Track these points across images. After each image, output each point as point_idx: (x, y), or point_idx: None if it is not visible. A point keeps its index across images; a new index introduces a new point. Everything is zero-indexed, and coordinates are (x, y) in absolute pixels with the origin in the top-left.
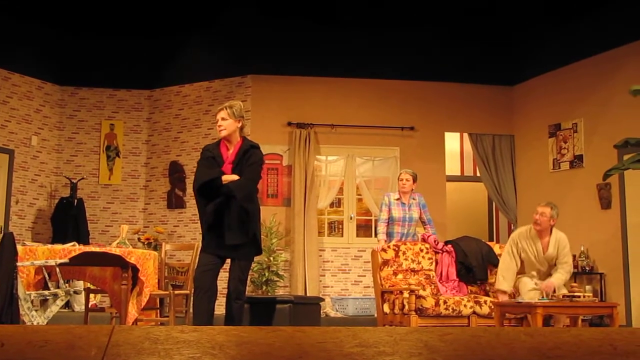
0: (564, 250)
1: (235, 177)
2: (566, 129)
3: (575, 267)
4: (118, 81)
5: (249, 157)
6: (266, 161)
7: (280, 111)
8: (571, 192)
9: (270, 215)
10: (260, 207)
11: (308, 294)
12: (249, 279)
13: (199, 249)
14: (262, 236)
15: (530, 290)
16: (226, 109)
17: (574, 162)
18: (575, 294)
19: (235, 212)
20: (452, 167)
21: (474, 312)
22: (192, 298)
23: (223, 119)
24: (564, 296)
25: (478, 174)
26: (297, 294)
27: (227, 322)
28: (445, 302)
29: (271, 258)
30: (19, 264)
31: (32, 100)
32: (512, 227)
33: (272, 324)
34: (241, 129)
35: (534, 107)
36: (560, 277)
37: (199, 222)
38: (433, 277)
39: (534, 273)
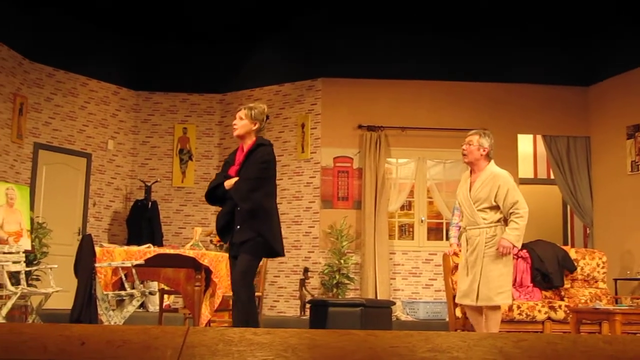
0: (501, 192)
1: (234, 180)
2: None
3: None
4: (190, 86)
5: (253, 156)
6: (337, 164)
7: (351, 114)
8: None
9: (340, 218)
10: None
11: (378, 297)
12: (319, 281)
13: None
14: (332, 239)
15: (461, 297)
16: (246, 109)
17: None
18: None
19: (241, 213)
20: (525, 169)
21: (549, 318)
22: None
23: (240, 118)
24: None
25: (552, 177)
26: (368, 297)
27: (233, 323)
28: (518, 307)
29: (342, 261)
30: (97, 264)
31: (109, 105)
32: (588, 231)
33: (343, 327)
34: (257, 131)
35: (611, 107)
36: (511, 231)
37: None
38: None
39: (462, 224)
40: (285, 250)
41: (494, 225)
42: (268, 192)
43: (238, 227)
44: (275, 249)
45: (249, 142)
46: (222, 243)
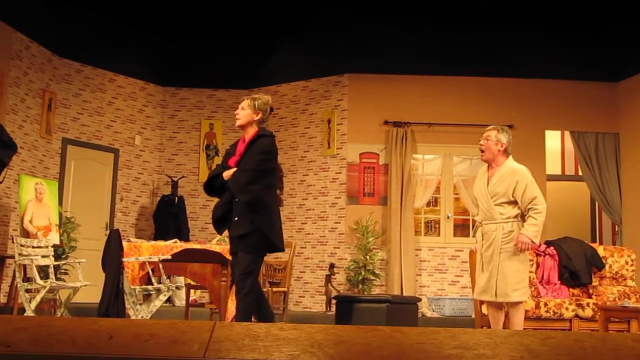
0: (519, 187)
1: (233, 170)
2: None
3: None
4: (217, 81)
5: (253, 148)
6: (363, 160)
7: (377, 110)
8: None
9: (366, 214)
10: (356, 206)
11: (404, 294)
12: (344, 277)
13: (295, 247)
14: (358, 235)
15: (480, 293)
16: (249, 99)
17: None
18: None
19: (238, 204)
20: (552, 166)
21: (576, 315)
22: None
23: (242, 108)
24: None
25: (580, 173)
26: (394, 293)
27: (235, 318)
28: (546, 305)
29: (367, 257)
30: (124, 259)
31: (136, 100)
32: (617, 228)
33: (368, 323)
34: (260, 121)
35: None
36: (529, 228)
37: (295, 220)
38: (533, 278)
39: (478, 219)
40: (311, 246)
41: (511, 221)
42: (268, 184)
43: (236, 219)
44: (275, 244)
45: (250, 133)
46: None
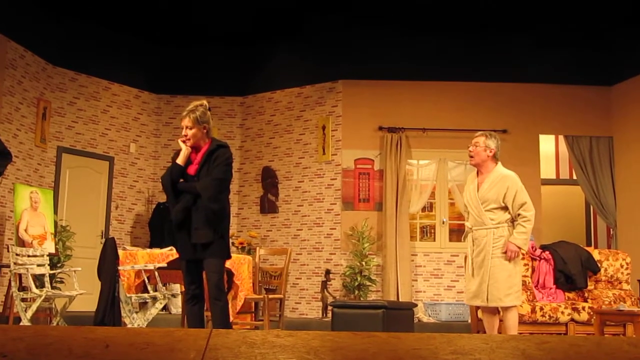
0: (510, 193)
1: (184, 150)
2: None
3: None
4: (211, 88)
5: (216, 157)
6: (358, 166)
7: (371, 116)
8: None
9: (362, 219)
10: (351, 211)
11: (400, 299)
12: (340, 283)
13: (290, 253)
14: (354, 240)
15: (471, 298)
16: (189, 115)
17: None
18: None
19: (202, 211)
20: (547, 170)
21: (572, 319)
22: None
23: (187, 127)
24: None
25: (574, 177)
26: (390, 298)
27: (213, 325)
28: (541, 309)
29: (363, 262)
30: (120, 267)
31: (131, 108)
32: (611, 232)
33: (365, 329)
34: (207, 132)
35: (634, 107)
36: (518, 236)
37: (290, 226)
38: (529, 283)
39: (469, 224)
40: (306, 252)
41: (502, 226)
42: (228, 193)
43: (196, 227)
44: (229, 253)
45: (204, 145)
46: (244, 245)
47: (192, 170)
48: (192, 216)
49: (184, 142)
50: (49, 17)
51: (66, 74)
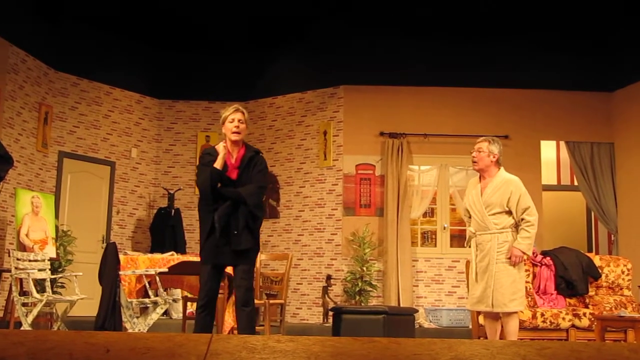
0: (513, 197)
1: (222, 154)
2: None
3: None
4: (213, 94)
5: (256, 164)
6: (359, 171)
7: (373, 121)
8: None
9: (363, 225)
10: (352, 217)
11: (401, 305)
12: (341, 288)
13: (291, 259)
14: (355, 246)
15: (475, 304)
16: (243, 112)
17: None
18: None
19: (242, 217)
20: (548, 176)
21: (573, 325)
22: (196, 312)
23: (241, 121)
24: None
25: (576, 183)
26: (391, 304)
27: (239, 331)
28: (542, 315)
29: (364, 268)
30: (121, 272)
31: (132, 113)
32: (613, 238)
33: (366, 334)
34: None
35: (635, 113)
36: (522, 241)
37: (291, 232)
38: (530, 289)
39: (472, 229)
40: (307, 257)
41: (506, 231)
42: None
43: (235, 232)
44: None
45: (239, 146)
46: None
47: (233, 174)
48: (230, 222)
49: (235, 133)
50: (50, 22)
51: (68, 78)
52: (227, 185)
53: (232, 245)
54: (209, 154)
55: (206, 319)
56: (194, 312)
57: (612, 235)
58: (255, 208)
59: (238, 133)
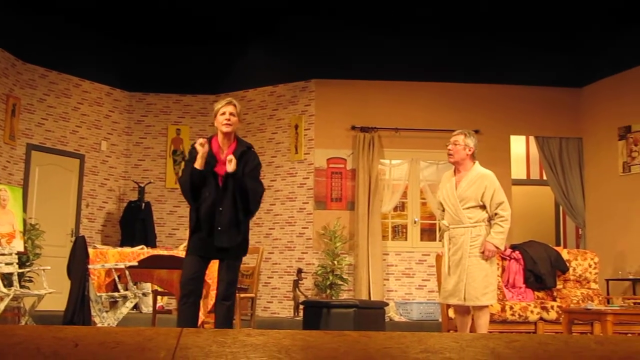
0: (488, 192)
1: (201, 153)
2: (637, 132)
3: None
4: (184, 87)
5: (248, 160)
6: (330, 165)
7: (344, 115)
8: None
9: (334, 219)
10: (323, 211)
11: (372, 298)
12: (312, 282)
13: (262, 252)
14: (326, 240)
15: (447, 297)
16: (235, 105)
17: None
18: None
19: (228, 212)
20: (518, 170)
21: (541, 318)
22: (180, 304)
23: (232, 114)
24: (635, 303)
25: (544, 178)
26: (361, 297)
27: (216, 325)
28: (511, 308)
29: (335, 262)
30: (90, 266)
31: (102, 106)
32: (580, 232)
33: (336, 328)
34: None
35: (603, 109)
36: (495, 236)
37: (262, 225)
38: (499, 282)
39: (446, 223)
40: (278, 251)
41: (479, 225)
42: None
43: (219, 228)
44: (247, 250)
45: (231, 140)
46: None
47: (223, 170)
48: (215, 217)
49: (227, 124)
50: (18, 12)
51: (36, 70)
52: (215, 179)
53: (215, 241)
54: (192, 156)
55: (190, 309)
56: (164, 306)
57: (580, 229)
58: (254, 204)
59: (229, 125)
